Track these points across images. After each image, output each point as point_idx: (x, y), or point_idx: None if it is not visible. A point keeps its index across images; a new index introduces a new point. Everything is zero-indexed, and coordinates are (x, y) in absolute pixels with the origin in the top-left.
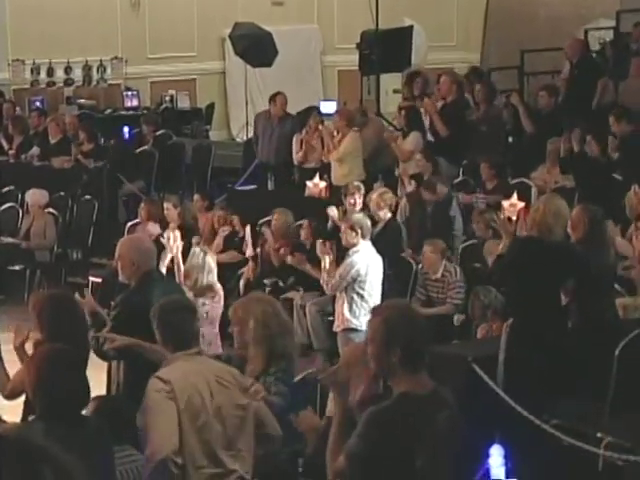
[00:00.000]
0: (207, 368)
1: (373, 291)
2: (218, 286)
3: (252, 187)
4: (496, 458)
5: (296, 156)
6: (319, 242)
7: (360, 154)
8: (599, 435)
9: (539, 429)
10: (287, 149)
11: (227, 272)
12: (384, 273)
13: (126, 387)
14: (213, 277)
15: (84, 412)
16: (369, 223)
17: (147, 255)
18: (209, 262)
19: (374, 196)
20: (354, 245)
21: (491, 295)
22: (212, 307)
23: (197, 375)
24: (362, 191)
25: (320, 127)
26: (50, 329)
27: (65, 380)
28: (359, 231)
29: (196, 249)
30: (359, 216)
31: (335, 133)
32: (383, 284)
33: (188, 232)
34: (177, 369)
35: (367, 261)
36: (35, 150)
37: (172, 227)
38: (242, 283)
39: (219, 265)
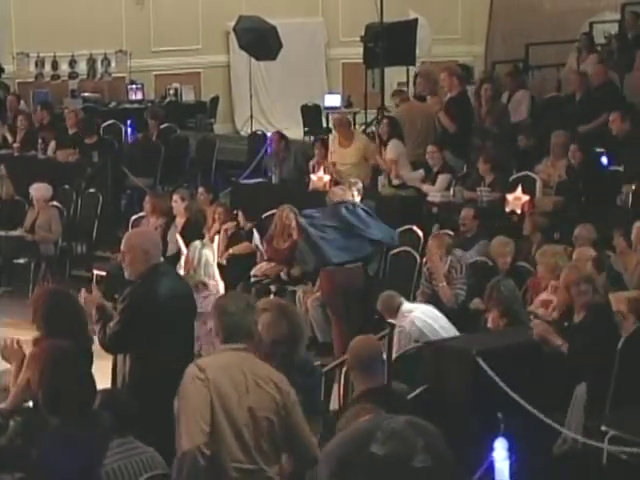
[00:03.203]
0: (248, 366)
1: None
2: (212, 282)
3: (256, 180)
4: (500, 451)
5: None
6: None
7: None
8: (603, 428)
9: (543, 422)
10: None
11: (237, 267)
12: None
13: (131, 380)
14: (209, 272)
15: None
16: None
17: (157, 247)
18: (205, 255)
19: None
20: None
21: (510, 287)
22: (200, 300)
23: (236, 369)
24: (359, 185)
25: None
26: (48, 326)
27: (70, 376)
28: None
29: (196, 242)
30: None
31: (337, 144)
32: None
33: (195, 225)
34: (217, 359)
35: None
36: (51, 144)
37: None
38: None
39: (232, 258)
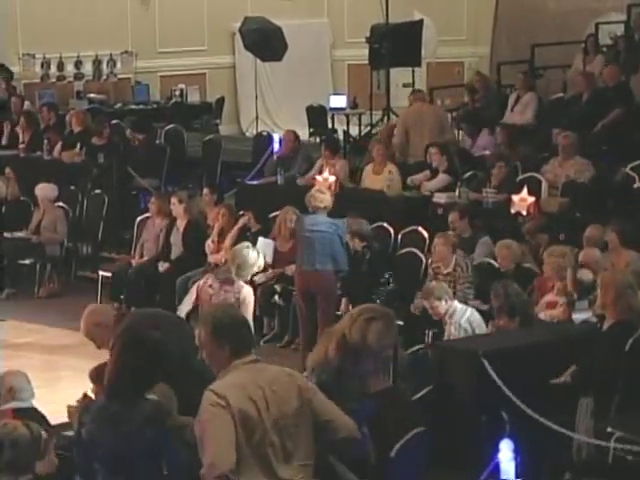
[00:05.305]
0: (263, 377)
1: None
2: (239, 284)
3: (262, 181)
4: (506, 453)
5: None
6: None
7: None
8: (609, 430)
9: (544, 425)
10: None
11: None
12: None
13: None
14: (241, 273)
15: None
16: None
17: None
18: (244, 257)
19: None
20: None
21: (515, 289)
22: (221, 293)
23: (253, 386)
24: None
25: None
26: None
27: (130, 362)
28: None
29: (244, 242)
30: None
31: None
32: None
33: (197, 227)
34: (233, 381)
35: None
36: (58, 146)
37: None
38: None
39: None
